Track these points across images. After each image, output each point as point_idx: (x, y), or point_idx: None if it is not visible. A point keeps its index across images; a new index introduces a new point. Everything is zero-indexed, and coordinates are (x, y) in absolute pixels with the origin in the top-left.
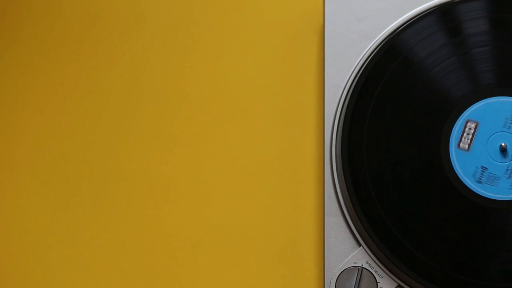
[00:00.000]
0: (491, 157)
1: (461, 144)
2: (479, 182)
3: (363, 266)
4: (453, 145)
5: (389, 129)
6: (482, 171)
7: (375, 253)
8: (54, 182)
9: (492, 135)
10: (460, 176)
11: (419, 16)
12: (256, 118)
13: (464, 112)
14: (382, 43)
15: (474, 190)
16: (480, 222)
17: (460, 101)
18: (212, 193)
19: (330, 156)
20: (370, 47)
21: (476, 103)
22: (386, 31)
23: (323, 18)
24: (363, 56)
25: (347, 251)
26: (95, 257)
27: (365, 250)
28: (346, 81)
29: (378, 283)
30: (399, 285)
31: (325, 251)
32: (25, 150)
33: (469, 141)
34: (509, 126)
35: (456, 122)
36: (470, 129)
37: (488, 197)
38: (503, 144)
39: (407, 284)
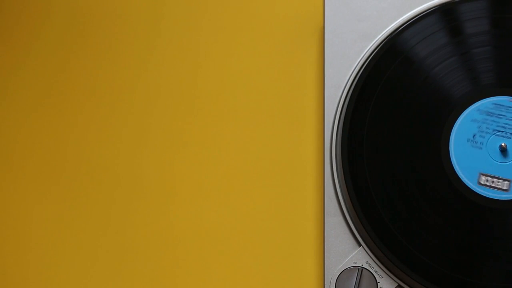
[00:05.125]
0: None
1: (503, 187)
2: None
3: (363, 266)
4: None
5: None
6: None
7: (375, 253)
8: (54, 182)
9: (488, 164)
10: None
11: (419, 16)
12: (256, 118)
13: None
14: (382, 43)
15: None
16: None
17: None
18: (211, 192)
19: (330, 156)
20: (370, 47)
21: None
22: (386, 31)
23: (323, 18)
24: (363, 56)
25: (347, 251)
26: (95, 257)
27: (365, 250)
28: (346, 81)
29: (378, 283)
30: (399, 285)
31: (325, 251)
32: (25, 150)
33: (501, 182)
34: (476, 141)
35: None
36: (490, 179)
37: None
38: (503, 144)
39: (407, 284)
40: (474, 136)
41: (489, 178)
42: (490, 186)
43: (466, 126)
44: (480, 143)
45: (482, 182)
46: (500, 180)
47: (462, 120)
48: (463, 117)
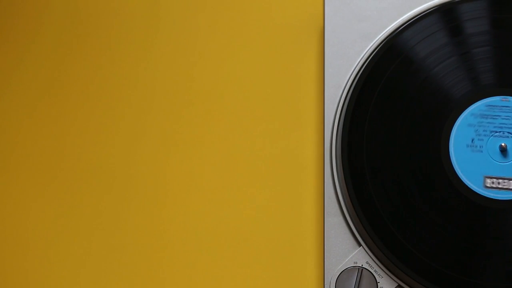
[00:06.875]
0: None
1: (510, 186)
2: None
3: (363, 266)
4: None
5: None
6: None
7: (375, 253)
8: (51, 181)
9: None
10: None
11: (419, 16)
12: (256, 118)
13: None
14: (382, 43)
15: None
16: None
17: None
18: (212, 193)
19: (330, 156)
20: (370, 47)
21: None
22: (386, 31)
23: (323, 18)
24: (363, 56)
25: (347, 251)
26: (95, 257)
27: (365, 250)
28: (346, 81)
29: (378, 283)
30: (399, 285)
31: (325, 251)
32: (22, 150)
33: (507, 181)
34: (475, 145)
35: (454, 126)
36: (496, 181)
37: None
38: (503, 144)
39: (407, 284)
40: (472, 140)
41: (495, 180)
42: (497, 188)
43: (463, 131)
44: (480, 146)
45: (488, 185)
46: (505, 180)
47: (459, 126)
48: (459, 123)
